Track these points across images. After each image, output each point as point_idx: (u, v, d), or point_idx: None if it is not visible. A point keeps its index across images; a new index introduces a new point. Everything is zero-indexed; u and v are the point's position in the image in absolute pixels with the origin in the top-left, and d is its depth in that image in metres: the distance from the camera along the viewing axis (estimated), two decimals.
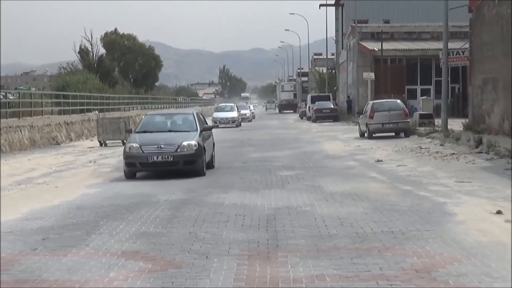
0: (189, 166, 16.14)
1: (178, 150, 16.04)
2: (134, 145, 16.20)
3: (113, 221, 10.29)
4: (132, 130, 17.91)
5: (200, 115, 18.94)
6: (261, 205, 11.54)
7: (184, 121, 17.97)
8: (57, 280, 6.96)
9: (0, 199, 13.26)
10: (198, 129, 17.17)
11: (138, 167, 16.22)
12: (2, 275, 7.19)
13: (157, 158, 15.94)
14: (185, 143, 16.17)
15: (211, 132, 19.20)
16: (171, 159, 15.97)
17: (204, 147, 16.67)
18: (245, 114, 57.52)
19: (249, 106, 70.96)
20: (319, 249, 8.00)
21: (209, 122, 46.09)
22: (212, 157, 18.45)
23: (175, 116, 18.90)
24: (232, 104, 54.69)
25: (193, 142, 16.26)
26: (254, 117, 66.75)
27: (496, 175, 14.74)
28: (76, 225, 10.09)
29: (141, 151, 16.03)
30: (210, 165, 17.95)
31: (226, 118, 48.30)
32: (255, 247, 8.25)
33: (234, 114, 49.15)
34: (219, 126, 46.40)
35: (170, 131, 17.29)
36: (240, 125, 48.60)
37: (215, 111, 51.50)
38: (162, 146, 16.08)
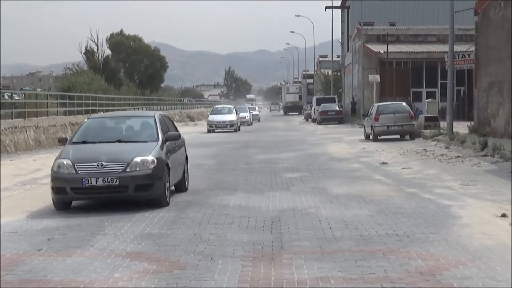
0: (143, 192, 11.46)
1: (128, 170, 11.34)
2: (65, 163, 11.49)
3: (118, 222, 10.30)
4: (68, 139, 13.00)
5: (166, 119, 13.98)
6: (265, 207, 11.54)
7: (142, 128, 13.14)
8: (62, 280, 6.97)
9: (0, 199, 13.30)
10: (160, 138, 12.45)
11: (69, 194, 11.46)
12: (7, 276, 7.21)
13: (96, 181, 11.22)
14: (138, 159, 11.46)
15: (183, 142, 14.49)
16: (117, 182, 11.24)
17: (167, 163, 12.11)
18: (244, 117, 52.71)
19: (255, 108, 70.65)
20: (324, 251, 8.00)
21: (206, 126, 45.56)
22: (184, 176, 13.90)
23: (128, 120, 13.63)
24: (230, 106, 49.38)
25: (150, 158, 11.56)
26: (259, 120, 65.95)
27: (501, 178, 14.71)
28: (81, 226, 10.11)
29: (74, 171, 11.35)
30: (182, 187, 13.78)
31: (223, 122, 43.27)
32: (260, 249, 8.25)
33: (232, 117, 43.87)
34: (215, 130, 42.70)
35: (119, 141, 12.43)
36: (239, 129, 44.45)
37: (210, 114, 46.07)
38: (104, 163, 11.34)
